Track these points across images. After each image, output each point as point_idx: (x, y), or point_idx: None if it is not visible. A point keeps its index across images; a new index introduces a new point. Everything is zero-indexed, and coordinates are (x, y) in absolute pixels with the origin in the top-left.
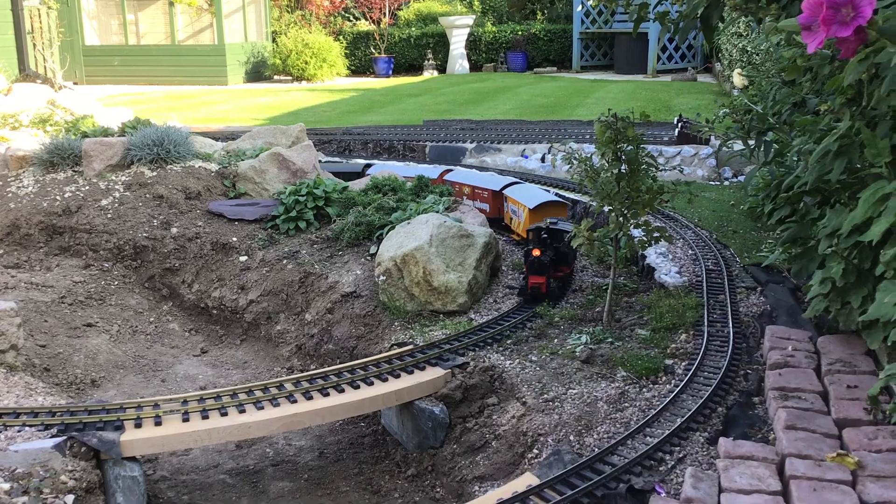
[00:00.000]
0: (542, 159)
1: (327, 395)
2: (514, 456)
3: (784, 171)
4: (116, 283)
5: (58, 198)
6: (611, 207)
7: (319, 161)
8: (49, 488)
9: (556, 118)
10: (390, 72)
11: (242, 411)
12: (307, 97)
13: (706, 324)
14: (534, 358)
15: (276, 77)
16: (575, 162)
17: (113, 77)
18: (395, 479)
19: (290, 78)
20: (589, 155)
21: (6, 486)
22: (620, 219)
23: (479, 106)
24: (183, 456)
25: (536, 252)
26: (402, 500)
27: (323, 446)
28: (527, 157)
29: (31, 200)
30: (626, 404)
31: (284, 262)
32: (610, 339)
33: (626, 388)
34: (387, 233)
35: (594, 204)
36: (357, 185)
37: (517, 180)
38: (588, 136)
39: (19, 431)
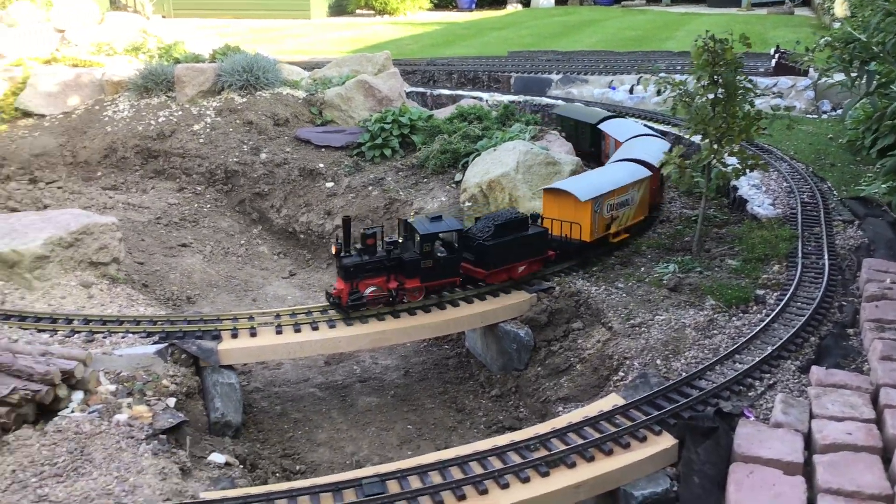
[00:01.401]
0: (631, 91)
1: (414, 314)
2: (598, 379)
3: (888, 101)
4: (209, 206)
5: (152, 122)
6: (704, 134)
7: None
8: (152, 391)
9: (645, 51)
10: (473, 5)
11: (333, 326)
12: (390, 30)
13: (800, 255)
14: (620, 285)
15: (358, 11)
16: (668, 88)
17: (199, 10)
18: (479, 399)
19: (373, 12)
20: (683, 80)
21: (112, 387)
22: (714, 146)
23: (564, 39)
24: (275, 370)
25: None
26: (486, 418)
27: (408, 366)
28: (614, 89)
29: (126, 124)
30: (715, 331)
31: (370, 188)
32: (699, 269)
33: (715, 315)
34: (472, 160)
35: (685, 135)
36: (442, 113)
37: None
38: (679, 68)
39: (123, 338)
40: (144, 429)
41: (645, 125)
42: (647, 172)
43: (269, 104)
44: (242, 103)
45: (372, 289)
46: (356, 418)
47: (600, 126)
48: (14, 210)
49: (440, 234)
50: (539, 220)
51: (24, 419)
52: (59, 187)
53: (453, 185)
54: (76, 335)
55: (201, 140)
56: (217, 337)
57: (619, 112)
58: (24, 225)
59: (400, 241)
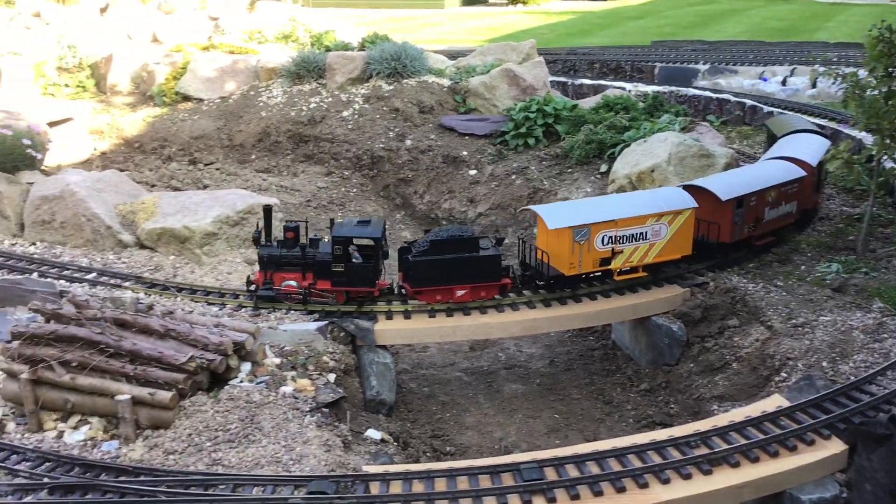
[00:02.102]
0: (783, 82)
1: (565, 304)
2: (757, 378)
3: None
4: (355, 190)
5: (304, 108)
6: (877, 128)
7: None
8: (313, 366)
9: (796, 41)
10: None
11: (484, 312)
12: (524, 20)
13: None
14: (779, 283)
15: (491, 1)
16: (838, 79)
17: (338, 1)
18: (627, 392)
19: (506, 1)
20: (853, 71)
21: (277, 360)
22: (887, 140)
23: (705, 29)
24: (421, 352)
25: None
26: (635, 412)
27: (553, 355)
28: (765, 80)
29: (279, 110)
30: (885, 335)
31: (513, 177)
32: (864, 270)
33: (884, 319)
34: (620, 151)
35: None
36: (586, 103)
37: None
38: (836, 60)
39: (286, 314)
40: (308, 401)
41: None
42: (799, 172)
43: (415, 92)
44: (389, 91)
45: (288, 283)
46: (503, 404)
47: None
48: (177, 189)
49: (354, 240)
50: (499, 243)
51: (199, 386)
52: (216, 169)
53: (598, 176)
54: (243, 309)
55: (349, 126)
56: (373, 318)
57: (766, 103)
58: (194, 203)
59: (326, 239)
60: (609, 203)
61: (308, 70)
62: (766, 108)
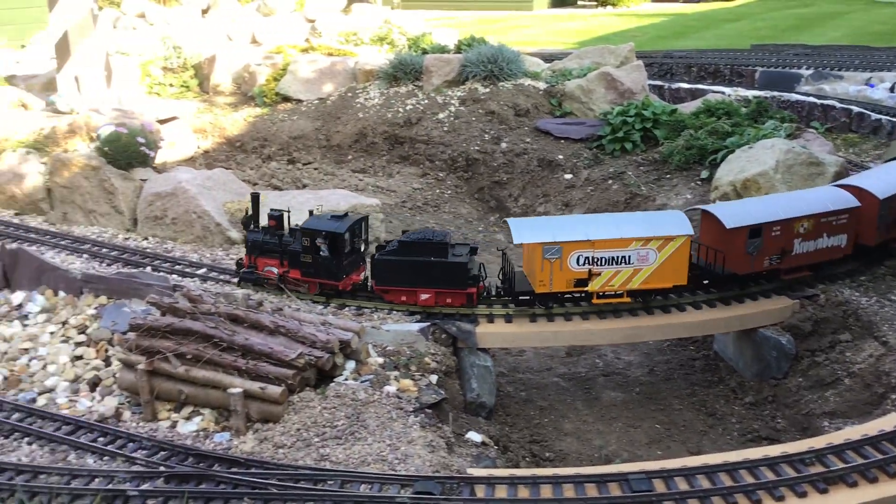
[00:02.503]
0: (892, 89)
1: (669, 312)
2: (871, 396)
3: None
4: (449, 192)
5: (400, 110)
6: None
7: None
8: (415, 366)
9: None
10: None
11: (586, 318)
12: (614, 22)
13: None
14: (893, 297)
15: (580, 2)
16: None
17: (425, 2)
18: (731, 405)
19: (595, 3)
20: None
21: (380, 360)
22: None
23: (805, 32)
24: (517, 356)
25: None
26: (740, 426)
27: (652, 364)
28: (872, 87)
29: (376, 111)
30: None
31: (609, 181)
32: None
33: None
34: (722, 157)
35: None
36: (686, 107)
37: None
38: None
39: (388, 314)
40: (411, 402)
41: None
42: (851, 202)
43: (510, 95)
44: (485, 93)
45: (269, 268)
46: (602, 412)
47: None
48: (277, 187)
49: (321, 232)
50: (473, 252)
51: (307, 383)
52: (314, 168)
53: (699, 183)
54: (346, 308)
55: (445, 128)
56: (474, 321)
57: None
58: (298, 202)
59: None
60: (590, 222)
61: (405, 72)
62: (874, 116)
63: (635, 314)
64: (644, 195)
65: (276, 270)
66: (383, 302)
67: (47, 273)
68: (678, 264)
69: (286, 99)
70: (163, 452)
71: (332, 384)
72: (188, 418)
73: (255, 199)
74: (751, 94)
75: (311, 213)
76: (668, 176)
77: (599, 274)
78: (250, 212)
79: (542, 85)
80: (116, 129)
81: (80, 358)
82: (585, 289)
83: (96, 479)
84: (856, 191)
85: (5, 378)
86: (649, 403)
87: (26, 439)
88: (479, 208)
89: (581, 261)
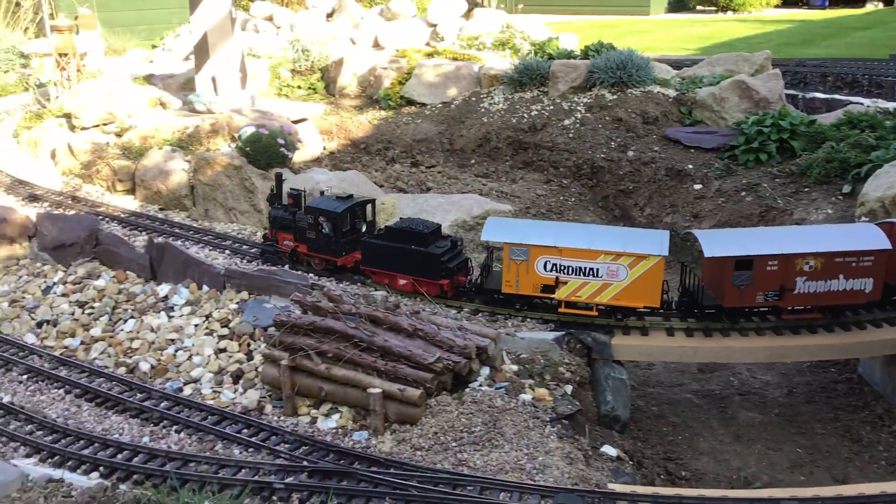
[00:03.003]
0: None
1: (815, 332)
2: None
3: None
4: (573, 199)
5: (524, 115)
6: None
7: None
8: (550, 376)
9: None
10: (826, 3)
11: (727, 335)
12: (736, 28)
13: None
14: None
15: (698, 7)
16: None
17: (541, 6)
18: (878, 432)
19: (715, 8)
20: None
21: (514, 367)
22: None
23: None
24: (646, 369)
25: None
26: (888, 454)
27: (791, 385)
28: None
29: (500, 116)
30: None
31: (742, 193)
32: None
33: None
34: (867, 171)
35: None
36: (825, 118)
37: None
38: None
39: (522, 321)
40: (547, 411)
41: None
42: (882, 243)
43: (639, 102)
44: (613, 100)
45: (286, 242)
46: (739, 432)
47: None
48: (402, 190)
49: (323, 211)
50: (454, 245)
51: (444, 387)
52: (438, 172)
53: (840, 197)
54: (479, 313)
55: (570, 135)
56: (609, 332)
57: None
58: (431, 206)
59: None
60: (561, 230)
61: (530, 77)
62: None
63: (780, 333)
64: (780, 208)
65: (290, 244)
66: (516, 309)
67: (192, 267)
68: (650, 284)
69: (410, 102)
70: (304, 447)
71: (468, 389)
72: (327, 415)
73: (279, 177)
74: (891, 105)
75: (322, 193)
76: (807, 189)
77: (566, 283)
78: (275, 190)
79: (671, 92)
80: (258, 130)
81: (223, 351)
82: (552, 296)
83: (243, 470)
84: (889, 228)
85: (152, 367)
86: (789, 426)
87: (175, 427)
88: (604, 217)
89: (548, 266)
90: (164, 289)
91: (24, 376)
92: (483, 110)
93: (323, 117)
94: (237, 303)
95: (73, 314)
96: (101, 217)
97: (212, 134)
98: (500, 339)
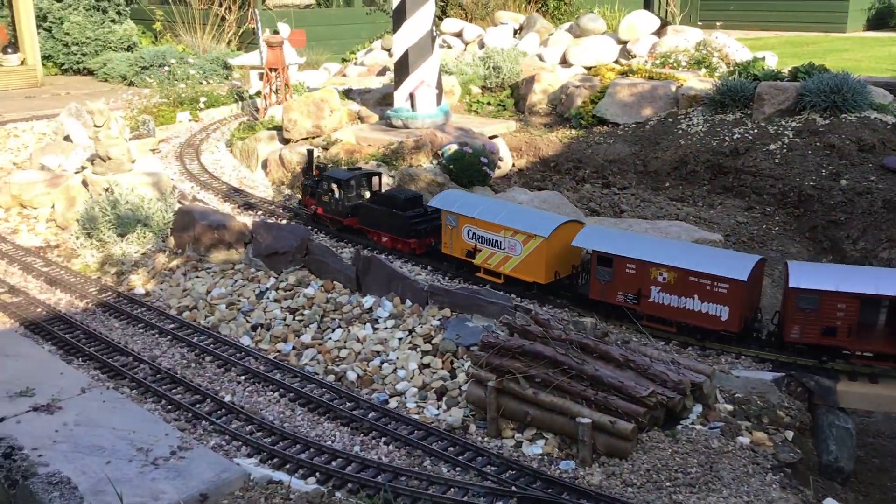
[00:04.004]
0: None
1: None
2: None
3: None
4: (777, 228)
5: (726, 138)
6: None
7: None
8: (768, 419)
9: None
10: None
11: None
12: None
13: None
14: None
15: None
16: None
17: (733, 22)
18: None
19: None
20: None
21: (729, 407)
22: None
23: None
24: (864, 417)
25: None
26: None
27: None
28: None
29: (699, 139)
30: None
31: None
32: None
33: None
34: None
35: None
36: None
37: None
38: None
39: (736, 358)
40: (768, 458)
41: None
42: (738, 273)
43: (854, 128)
44: (824, 125)
45: (312, 206)
46: None
47: None
48: (595, 212)
49: (333, 179)
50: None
51: (655, 422)
52: (631, 194)
53: None
54: (689, 347)
55: (776, 160)
56: (833, 377)
57: None
58: (636, 232)
59: None
60: (486, 204)
61: (733, 99)
62: None
63: None
64: None
65: (313, 208)
66: (733, 345)
67: (396, 281)
68: (537, 263)
69: (602, 121)
70: (511, 471)
71: (681, 427)
72: (532, 440)
73: (310, 153)
74: None
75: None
76: None
77: (482, 251)
78: (307, 165)
79: (889, 119)
80: (461, 148)
81: (427, 366)
82: (473, 260)
83: (451, 489)
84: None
85: (358, 377)
86: None
87: (383, 439)
88: (810, 248)
89: (470, 234)
90: (368, 300)
91: (242, 377)
92: (680, 132)
93: (513, 134)
94: (439, 319)
95: (284, 319)
96: (310, 227)
97: (415, 150)
98: (715, 375)
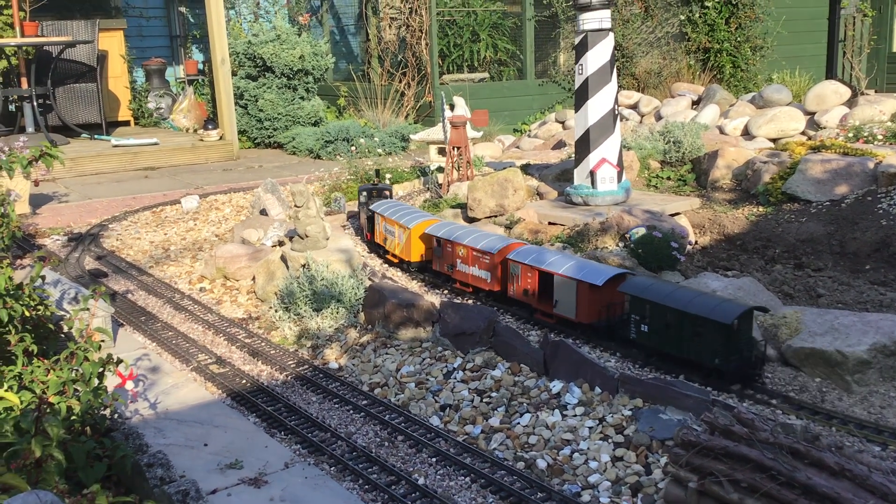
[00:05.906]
0: None
1: None
2: None
3: None
4: None
5: None
6: None
7: None
8: None
9: None
10: None
11: None
12: None
13: None
14: None
15: None
16: None
17: None
18: None
19: None
20: None
21: None
22: None
23: None
24: None
25: None
26: None
27: None
28: None
29: None
30: None
31: None
32: None
33: None
34: None
35: None
36: None
37: None
38: None
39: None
40: None
41: None
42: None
43: None
44: None
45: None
46: None
47: None
48: (789, 295)
49: (362, 192)
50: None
51: None
52: (828, 276)
53: None
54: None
55: None
56: None
57: None
58: (843, 325)
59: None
60: (401, 209)
61: None
62: None
63: None
64: None
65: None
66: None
67: (584, 367)
68: (409, 247)
69: (793, 199)
70: None
71: None
72: None
73: (377, 173)
74: None
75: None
76: None
77: (389, 239)
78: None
79: None
80: (650, 233)
81: (620, 459)
82: (385, 246)
83: None
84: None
85: (549, 465)
86: None
87: None
88: None
89: (384, 227)
90: (556, 386)
91: (433, 458)
92: (881, 211)
93: (695, 210)
94: (630, 409)
95: (472, 401)
96: (497, 309)
97: (601, 232)
98: None
